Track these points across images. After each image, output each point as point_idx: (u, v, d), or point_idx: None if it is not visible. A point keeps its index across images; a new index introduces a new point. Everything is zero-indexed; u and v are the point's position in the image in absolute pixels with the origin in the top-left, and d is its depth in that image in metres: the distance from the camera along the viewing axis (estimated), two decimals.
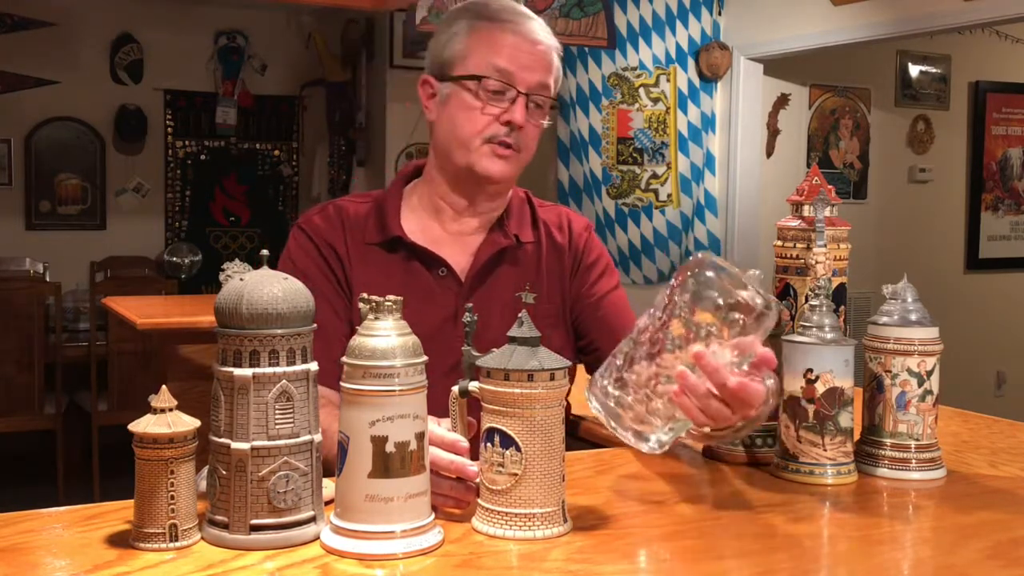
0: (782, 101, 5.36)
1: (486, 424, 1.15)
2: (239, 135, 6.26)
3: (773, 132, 5.34)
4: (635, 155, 5.01)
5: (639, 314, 1.75)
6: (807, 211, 1.45)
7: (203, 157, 6.22)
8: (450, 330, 1.61)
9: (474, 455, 1.20)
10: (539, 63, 1.61)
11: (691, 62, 5.08)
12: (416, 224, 1.69)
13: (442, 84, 1.64)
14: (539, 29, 1.63)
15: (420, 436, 1.10)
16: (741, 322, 1.24)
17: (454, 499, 1.20)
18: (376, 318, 1.11)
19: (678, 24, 5.04)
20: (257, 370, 1.07)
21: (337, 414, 1.13)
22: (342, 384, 1.10)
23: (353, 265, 1.64)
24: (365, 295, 1.13)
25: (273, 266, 1.14)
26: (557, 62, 1.66)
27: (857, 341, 1.39)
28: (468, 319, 1.26)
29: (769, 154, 5.32)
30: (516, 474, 1.12)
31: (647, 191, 5.05)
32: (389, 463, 1.08)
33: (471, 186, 1.65)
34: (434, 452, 1.18)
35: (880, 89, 5.73)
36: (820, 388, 1.35)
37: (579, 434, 1.86)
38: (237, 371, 1.08)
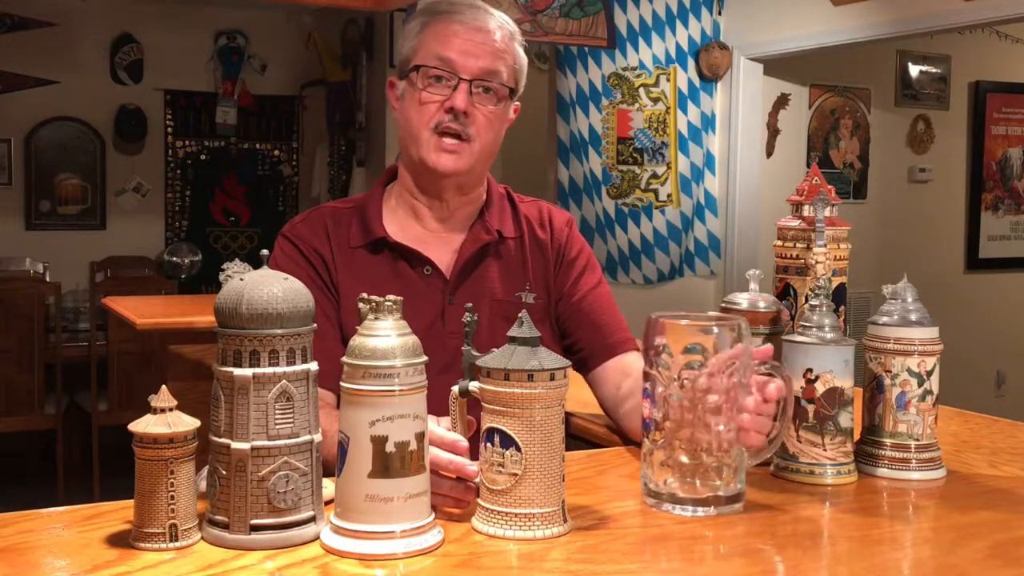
0: (782, 101, 5.36)
1: (486, 424, 1.15)
2: (239, 135, 6.26)
3: (773, 132, 5.34)
4: (635, 155, 5.01)
5: (625, 312, 1.75)
6: (807, 211, 1.46)
7: (203, 157, 6.22)
8: (439, 328, 1.62)
9: (474, 454, 1.20)
10: (484, 50, 1.61)
11: (691, 62, 5.08)
12: (397, 225, 1.69)
13: (400, 83, 1.67)
14: (489, 19, 1.64)
15: (420, 436, 1.10)
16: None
17: (453, 499, 1.20)
18: (376, 318, 1.11)
19: (678, 24, 5.04)
20: (257, 370, 1.07)
21: (335, 415, 1.13)
22: (342, 384, 1.10)
23: (339, 269, 1.65)
24: (365, 295, 1.13)
25: None
26: (517, 52, 1.66)
27: (857, 341, 1.39)
28: (468, 319, 1.26)
29: (769, 154, 5.32)
30: (516, 474, 1.12)
31: (647, 191, 5.05)
32: (389, 463, 1.08)
33: (431, 181, 1.65)
34: (434, 452, 1.18)
35: (880, 89, 5.73)
36: (820, 388, 1.35)
37: (571, 431, 1.86)
38: (237, 371, 1.08)
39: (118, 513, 1.17)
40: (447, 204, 1.68)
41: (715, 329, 1.25)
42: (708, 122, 5.14)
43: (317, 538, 1.10)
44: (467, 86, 1.59)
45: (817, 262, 1.43)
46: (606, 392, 1.70)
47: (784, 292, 1.47)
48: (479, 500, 1.16)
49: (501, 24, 1.65)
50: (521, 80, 1.68)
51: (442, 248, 1.68)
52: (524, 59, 1.69)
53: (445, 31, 1.61)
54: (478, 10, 1.64)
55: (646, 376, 1.27)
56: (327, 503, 1.16)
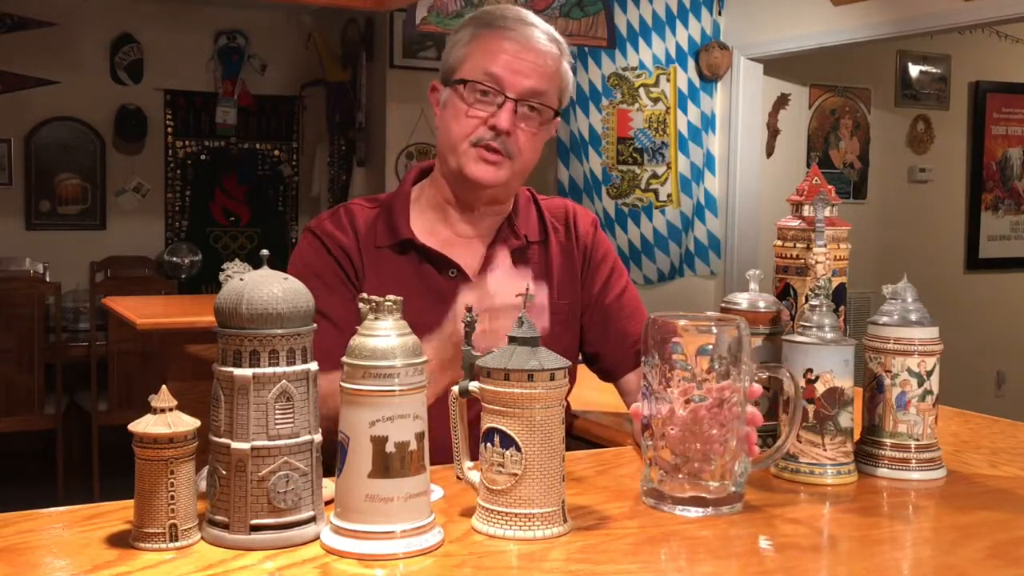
0: (782, 101, 5.36)
1: (486, 424, 1.15)
2: (239, 135, 6.26)
3: (773, 132, 5.34)
4: (635, 155, 5.01)
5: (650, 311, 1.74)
6: (807, 211, 1.45)
7: (203, 157, 6.22)
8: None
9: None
10: (534, 70, 1.60)
11: (691, 62, 5.09)
12: (425, 226, 1.69)
13: (444, 89, 1.66)
14: (541, 36, 1.62)
15: (420, 436, 1.10)
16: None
17: None
18: (376, 318, 1.11)
19: (678, 24, 5.04)
20: (257, 370, 1.07)
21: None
22: (342, 384, 1.10)
23: (365, 268, 1.65)
24: (364, 295, 1.13)
25: (273, 266, 1.14)
26: (563, 70, 1.65)
27: (857, 341, 1.39)
28: (468, 319, 1.26)
29: (769, 154, 5.32)
30: (516, 474, 1.12)
31: (647, 191, 5.05)
32: (389, 463, 1.08)
33: (467, 191, 1.66)
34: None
35: (880, 89, 5.73)
36: (820, 388, 1.35)
37: (574, 432, 1.86)
38: (237, 371, 1.08)
39: (118, 513, 1.17)
40: (478, 212, 1.69)
41: (714, 329, 1.25)
42: (708, 122, 5.14)
43: (317, 538, 1.10)
44: (512, 105, 1.59)
45: (817, 262, 1.43)
46: (632, 400, 1.70)
47: (784, 292, 1.47)
48: (479, 500, 1.16)
49: (550, 42, 1.63)
50: (566, 98, 1.68)
51: (469, 252, 1.68)
52: (571, 76, 1.68)
53: (495, 46, 1.60)
54: (529, 26, 1.62)
55: (644, 375, 1.27)
56: (327, 503, 1.16)
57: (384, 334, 1.09)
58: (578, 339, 1.75)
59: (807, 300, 1.42)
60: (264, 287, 1.09)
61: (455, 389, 1.25)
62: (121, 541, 1.09)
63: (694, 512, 1.23)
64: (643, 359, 1.26)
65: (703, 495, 1.23)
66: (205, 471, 1.12)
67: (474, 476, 1.20)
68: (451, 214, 1.69)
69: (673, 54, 5.05)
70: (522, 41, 1.61)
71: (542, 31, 1.64)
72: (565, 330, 1.70)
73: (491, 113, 1.59)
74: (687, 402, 1.22)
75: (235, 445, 1.07)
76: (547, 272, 1.71)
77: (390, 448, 1.07)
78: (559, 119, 1.70)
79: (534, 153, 1.66)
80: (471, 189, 1.64)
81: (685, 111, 5.09)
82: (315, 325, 1.13)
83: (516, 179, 1.67)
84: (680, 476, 1.24)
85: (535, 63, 1.60)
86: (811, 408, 1.36)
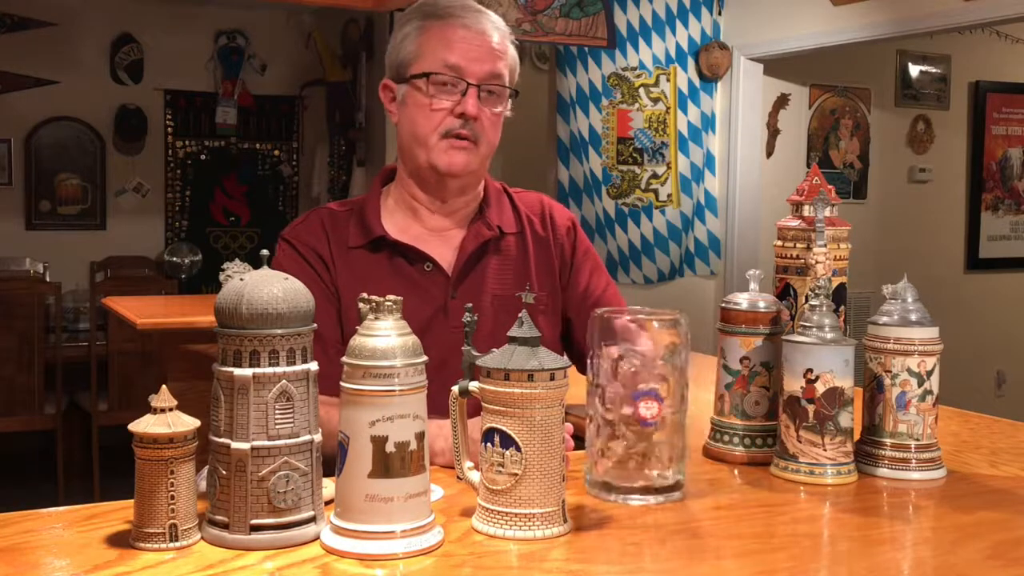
0: (782, 101, 5.36)
1: (486, 424, 1.15)
2: (239, 135, 6.26)
3: (773, 132, 5.34)
4: (635, 155, 5.01)
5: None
6: (807, 211, 1.46)
7: (203, 157, 6.22)
8: (440, 323, 1.63)
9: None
10: (488, 54, 1.64)
11: (691, 62, 5.08)
12: (396, 224, 1.71)
13: (399, 86, 1.69)
14: (487, 21, 1.67)
15: (420, 436, 1.10)
16: None
17: None
18: (376, 318, 1.11)
19: (678, 24, 5.04)
20: (257, 370, 1.07)
21: (336, 409, 1.12)
22: (342, 384, 1.10)
23: (338, 269, 1.67)
24: (365, 295, 1.13)
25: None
26: (511, 51, 1.69)
27: (857, 341, 1.39)
28: (468, 319, 1.26)
29: (769, 154, 5.32)
30: (516, 474, 1.12)
31: (647, 191, 5.04)
32: (389, 463, 1.08)
33: (436, 183, 1.68)
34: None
35: (880, 89, 5.73)
36: (820, 388, 1.35)
37: (574, 433, 1.86)
38: (237, 371, 1.08)
39: (118, 513, 1.17)
40: (448, 204, 1.70)
41: (656, 324, 1.30)
42: (708, 122, 5.14)
43: (317, 538, 1.10)
44: (476, 91, 1.62)
45: (817, 262, 1.43)
46: None
47: (784, 292, 1.47)
48: (479, 500, 1.16)
49: (496, 25, 1.68)
50: (516, 77, 1.72)
51: (442, 245, 1.69)
52: (517, 57, 1.72)
53: (448, 35, 1.63)
54: (474, 12, 1.67)
55: (588, 370, 1.31)
56: (327, 503, 1.16)
57: (384, 334, 1.09)
58: (559, 331, 1.76)
59: (807, 300, 1.42)
60: (264, 287, 1.09)
61: (455, 389, 1.25)
62: (121, 541, 1.09)
63: (638, 500, 1.26)
64: (588, 358, 1.30)
65: (650, 484, 1.27)
66: (205, 471, 1.12)
67: (474, 476, 1.20)
68: (421, 211, 1.71)
69: (673, 54, 5.05)
70: (474, 28, 1.64)
71: (486, 15, 1.68)
72: (546, 322, 1.71)
73: (456, 102, 1.62)
74: (630, 396, 1.25)
75: (235, 445, 1.07)
76: (524, 264, 1.72)
77: (390, 448, 1.07)
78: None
79: (496, 135, 1.69)
80: (442, 181, 1.66)
81: (685, 111, 5.09)
82: (315, 325, 1.13)
83: (483, 163, 1.69)
84: (630, 466, 1.27)
85: (490, 47, 1.64)
86: (811, 408, 1.36)
